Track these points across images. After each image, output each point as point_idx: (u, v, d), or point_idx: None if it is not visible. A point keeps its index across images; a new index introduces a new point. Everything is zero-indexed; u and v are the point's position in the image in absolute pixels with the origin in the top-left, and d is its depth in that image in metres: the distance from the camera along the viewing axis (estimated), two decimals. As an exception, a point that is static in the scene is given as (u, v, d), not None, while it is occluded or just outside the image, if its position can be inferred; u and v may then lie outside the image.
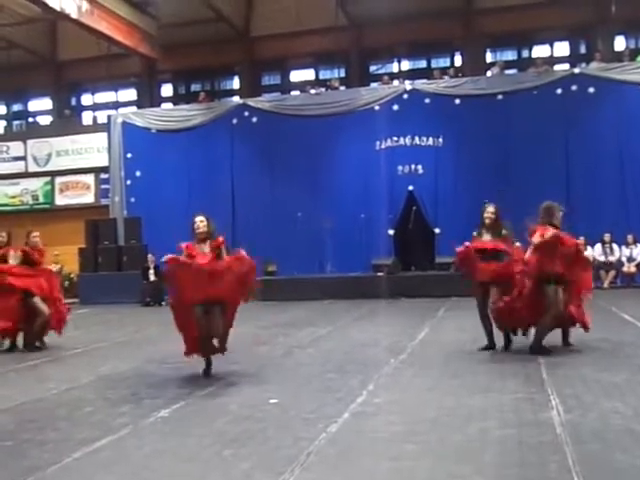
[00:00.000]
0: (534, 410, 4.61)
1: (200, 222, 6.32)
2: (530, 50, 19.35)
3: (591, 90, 15.48)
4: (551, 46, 19.20)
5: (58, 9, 15.52)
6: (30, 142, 20.58)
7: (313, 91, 17.78)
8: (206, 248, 6.27)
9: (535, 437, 4.00)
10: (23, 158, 20.61)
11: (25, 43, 20.99)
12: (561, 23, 18.23)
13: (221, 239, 6.37)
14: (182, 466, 3.79)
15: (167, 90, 22.14)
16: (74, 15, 15.95)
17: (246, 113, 17.57)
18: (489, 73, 17.37)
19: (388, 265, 14.97)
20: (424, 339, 8.25)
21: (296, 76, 21.05)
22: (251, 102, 17.82)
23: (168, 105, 21.13)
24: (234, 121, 17.64)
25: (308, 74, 20.87)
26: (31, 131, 21.72)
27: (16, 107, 23.61)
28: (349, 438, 4.19)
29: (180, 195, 17.16)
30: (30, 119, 23.19)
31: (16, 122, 23.40)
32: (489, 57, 19.50)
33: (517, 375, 5.85)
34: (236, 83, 21.51)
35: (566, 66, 17.78)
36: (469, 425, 4.32)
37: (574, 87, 15.57)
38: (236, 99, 19.36)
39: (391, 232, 16.11)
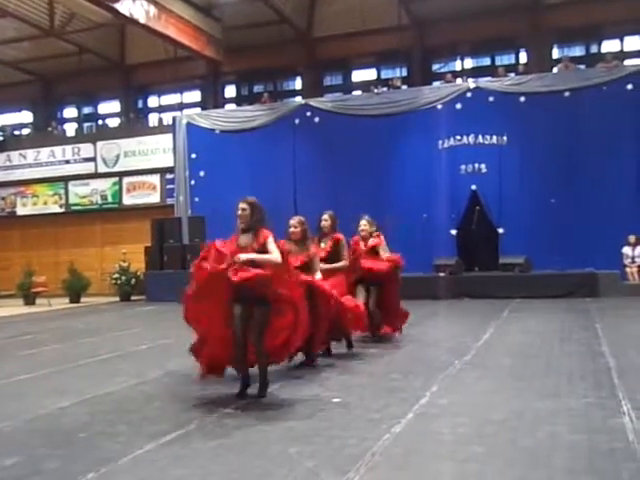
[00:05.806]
0: (605, 415, 4.50)
1: (240, 208, 5.76)
2: (599, 45, 18.79)
3: (663, 85, 14.91)
4: (621, 40, 18.57)
5: (127, 14, 15.98)
6: (99, 144, 21.11)
7: (375, 91, 17.72)
8: (247, 240, 5.60)
9: (607, 443, 3.90)
10: (93, 159, 21.19)
11: (95, 48, 21.63)
12: (631, 16, 17.57)
13: (267, 233, 5.60)
14: (249, 461, 3.85)
15: (230, 91, 22.47)
16: (142, 20, 16.39)
17: (308, 113, 17.65)
18: (555, 70, 16.93)
19: (451, 265, 14.85)
20: (488, 340, 8.12)
21: (358, 76, 21.03)
22: (313, 102, 17.89)
23: (231, 106, 21.44)
24: (296, 121, 17.74)
25: (370, 74, 20.82)
26: (100, 133, 22.28)
27: (86, 110, 24.36)
28: (414, 439, 4.18)
29: (243, 194, 17.17)
30: (100, 121, 23.89)
31: (86, 124, 24.09)
32: (556, 53, 19.02)
33: (586, 379, 5.71)
34: (298, 84, 21.66)
35: (637, 61, 17.19)
36: (538, 429, 4.24)
37: (645, 82, 15.03)
38: (298, 99, 19.47)
39: (454, 232, 15.92)
